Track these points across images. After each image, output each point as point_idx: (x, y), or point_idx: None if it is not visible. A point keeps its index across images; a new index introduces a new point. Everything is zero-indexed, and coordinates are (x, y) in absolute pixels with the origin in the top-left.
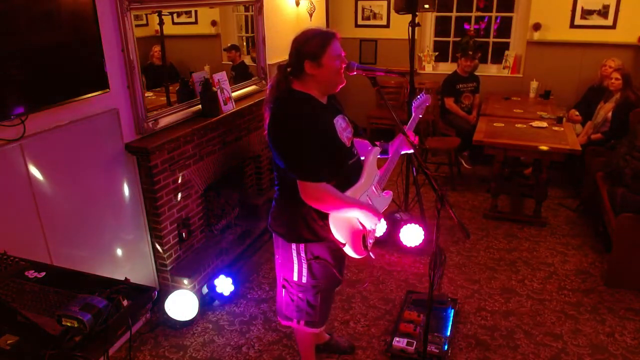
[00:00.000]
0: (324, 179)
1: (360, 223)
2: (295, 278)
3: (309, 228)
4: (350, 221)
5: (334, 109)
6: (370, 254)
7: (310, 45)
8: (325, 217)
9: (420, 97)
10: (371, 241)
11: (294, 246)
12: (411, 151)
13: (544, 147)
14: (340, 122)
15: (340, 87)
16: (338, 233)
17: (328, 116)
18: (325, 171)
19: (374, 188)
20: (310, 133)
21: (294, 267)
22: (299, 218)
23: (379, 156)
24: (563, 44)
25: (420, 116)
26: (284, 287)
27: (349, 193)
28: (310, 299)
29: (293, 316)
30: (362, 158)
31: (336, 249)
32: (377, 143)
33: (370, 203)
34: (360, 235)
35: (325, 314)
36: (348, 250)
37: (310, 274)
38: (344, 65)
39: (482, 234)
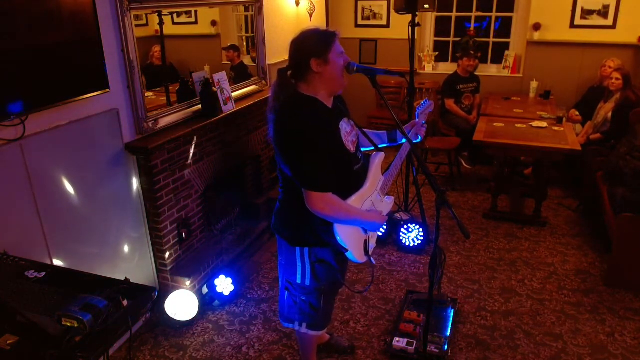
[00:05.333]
0: (330, 188)
1: (363, 229)
2: (299, 280)
3: (313, 232)
4: (354, 227)
5: (339, 113)
6: (372, 259)
7: (315, 43)
8: (329, 221)
9: (424, 103)
10: (372, 246)
11: (298, 249)
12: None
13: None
14: (344, 127)
15: (343, 88)
16: (342, 238)
17: (333, 121)
18: (331, 180)
19: (377, 193)
20: (317, 140)
21: (298, 269)
22: (304, 221)
23: (387, 144)
24: (563, 44)
25: (424, 122)
26: (286, 289)
27: (354, 198)
28: (314, 301)
29: (295, 319)
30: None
31: (339, 252)
32: (385, 132)
33: (374, 209)
34: (362, 241)
35: (327, 317)
36: (350, 256)
37: (314, 276)
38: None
39: (482, 234)
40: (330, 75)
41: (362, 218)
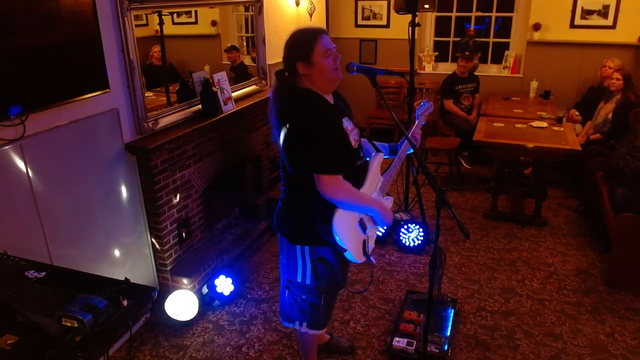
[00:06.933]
0: (340, 171)
1: (362, 227)
2: (299, 279)
3: (313, 230)
4: (353, 226)
5: (340, 110)
6: (371, 259)
7: (298, 46)
8: (328, 221)
9: (424, 104)
10: (371, 246)
11: (298, 247)
12: (411, 150)
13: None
14: (346, 124)
15: (338, 81)
16: (340, 238)
17: (335, 115)
18: (340, 164)
19: (377, 194)
20: (322, 127)
21: (298, 268)
22: (304, 220)
23: (387, 156)
24: (563, 44)
25: (423, 123)
26: (287, 288)
27: None
28: (314, 300)
29: (296, 317)
30: (368, 159)
31: (340, 252)
32: (388, 144)
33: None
34: (361, 241)
35: (327, 316)
36: (348, 255)
37: (315, 275)
38: (338, 59)
39: (482, 234)
40: (317, 76)
41: (373, 205)
